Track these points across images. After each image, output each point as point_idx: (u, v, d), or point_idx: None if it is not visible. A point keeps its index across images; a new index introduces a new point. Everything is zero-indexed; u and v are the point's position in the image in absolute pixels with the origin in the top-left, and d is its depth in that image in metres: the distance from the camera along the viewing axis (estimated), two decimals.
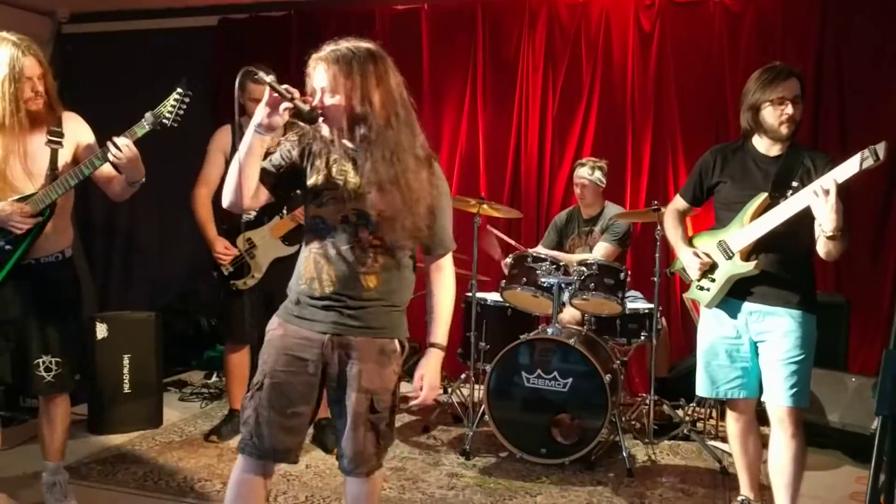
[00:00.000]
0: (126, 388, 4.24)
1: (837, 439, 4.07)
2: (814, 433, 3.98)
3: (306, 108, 2.07)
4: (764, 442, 3.03)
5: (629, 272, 4.18)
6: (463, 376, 4.59)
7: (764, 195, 2.81)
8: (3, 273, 2.84)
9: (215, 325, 5.67)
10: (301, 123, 2.14)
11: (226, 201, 2.17)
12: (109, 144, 2.77)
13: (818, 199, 2.58)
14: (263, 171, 2.17)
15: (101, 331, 4.20)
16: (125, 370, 4.24)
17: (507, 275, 4.13)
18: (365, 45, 2.14)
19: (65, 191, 2.86)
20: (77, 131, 3.00)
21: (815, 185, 2.62)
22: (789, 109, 2.79)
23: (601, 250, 4.47)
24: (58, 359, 2.98)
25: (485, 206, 4.21)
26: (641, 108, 5.19)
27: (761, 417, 3.01)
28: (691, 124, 5.06)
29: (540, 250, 4.58)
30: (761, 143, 2.90)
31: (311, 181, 2.19)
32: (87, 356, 4.13)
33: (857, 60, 4.78)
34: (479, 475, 3.70)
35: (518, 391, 3.84)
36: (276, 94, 2.04)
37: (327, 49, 2.12)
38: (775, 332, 2.82)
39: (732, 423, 3.05)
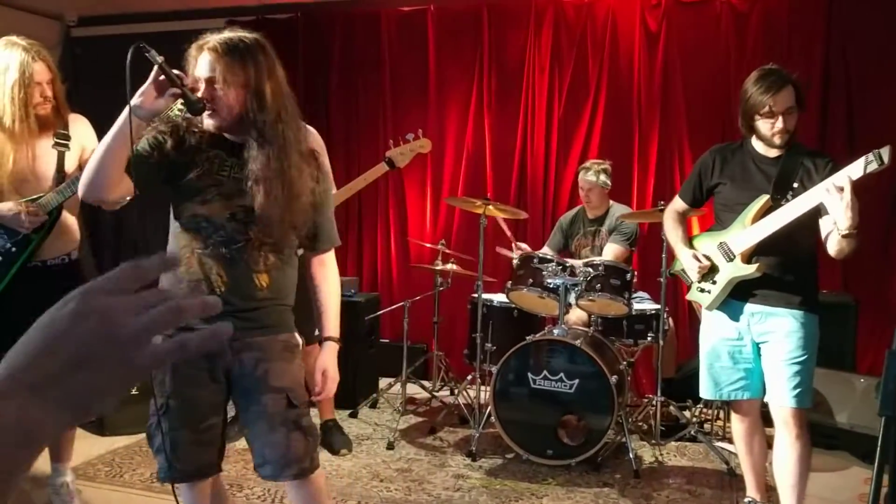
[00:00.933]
0: (133, 389, 4.25)
1: (845, 440, 4.05)
2: (822, 434, 3.97)
3: (194, 97, 1.95)
4: (769, 443, 3.02)
5: (635, 273, 4.17)
6: (469, 377, 4.59)
7: (765, 197, 2.79)
8: (9, 275, 2.86)
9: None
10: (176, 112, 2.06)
11: (83, 190, 2.01)
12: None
13: (832, 197, 2.54)
14: (133, 164, 1.99)
15: None
16: None
17: (514, 275, 4.13)
18: (251, 35, 2.05)
19: (71, 193, 2.87)
20: (83, 134, 3.02)
21: (827, 183, 2.58)
22: (780, 123, 2.76)
23: (611, 252, 4.45)
24: None
25: (490, 206, 4.21)
26: (648, 108, 5.18)
27: (766, 418, 3.00)
28: (698, 124, 5.05)
29: (546, 252, 4.59)
30: (760, 145, 2.88)
31: (190, 176, 2.05)
32: None
33: (864, 60, 4.76)
34: (486, 476, 3.69)
35: (524, 392, 3.83)
36: (162, 78, 1.93)
37: (214, 38, 2.00)
38: (777, 332, 2.80)
39: (737, 425, 3.04)
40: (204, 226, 2.06)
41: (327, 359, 2.23)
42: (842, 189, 2.53)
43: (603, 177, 4.52)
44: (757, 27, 4.92)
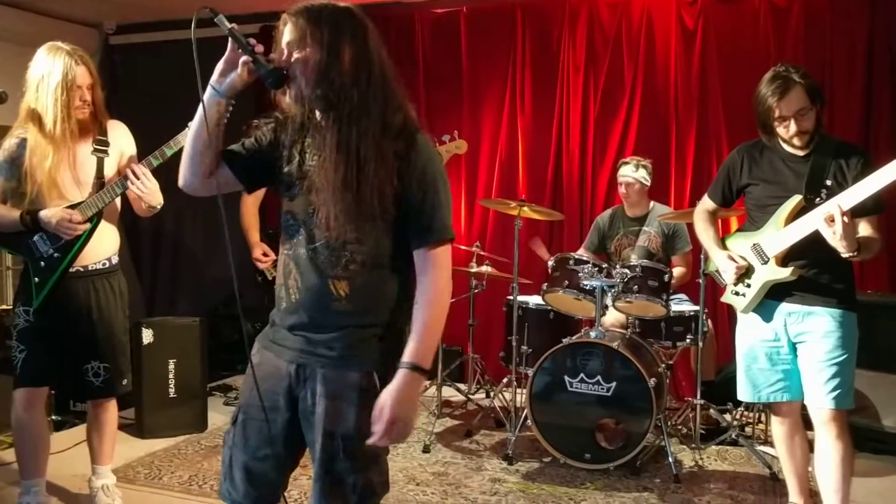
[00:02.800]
0: (171, 392, 4.30)
1: (893, 444, 3.94)
2: (868, 438, 3.88)
3: (269, 66, 1.75)
4: (811, 446, 2.95)
5: (674, 274, 4.11)
6: (505, 380, 4.56)
7: (798, 198, 2.73)
8: (52, 280, 2.90)
9: (259, 329, 5.71)
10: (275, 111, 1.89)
11: (180, 180, 1.88)
12: (129, 172, 2.86)
13: (826, 228, 2.54)
14: (231, 152, 1.87)
15: (147, 336, 4.26)
16: (171, 375, 4.31)
17: (549, 277, 4.09)
18: (345, 4, 1.82)
19: (110, 199, 2.91)
20: (121, 140, 3.05)
21: (822, 210, 2.57)
22: (793, 127, 2.70)
23: (685, 262, 4.52)
24: (106, 364, 3.03)
25: (525, 208, 4.18)
26: (685, 107, 5.11)
27: (807, 421, 2.93)
28: (736, 122, 4.96)
29: (583, 253, 4.54)
30: (787, 144, 2.81)
31: (285, 170, 1.85)
32: (134, 361, 4.20)
33: None
34: (522, 480, 3.66)
35: (561, 395, 3.79)
36: (237, 48, 1.77)
37: (299, 4, 1.80)
38: (815, 332, 2.74)
39: (777, 427, 2.98)
40: (290, 223, 1.84)
41: (392, 392, 1.73)
42: (832, 220, 2.51)
43: (642, 172, 4.47)
44: (797, 23, 4.82)
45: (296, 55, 1.75)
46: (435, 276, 1.78)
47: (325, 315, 1.79)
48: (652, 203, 4.62)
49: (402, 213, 1.78)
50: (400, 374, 1.74)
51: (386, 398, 1.73)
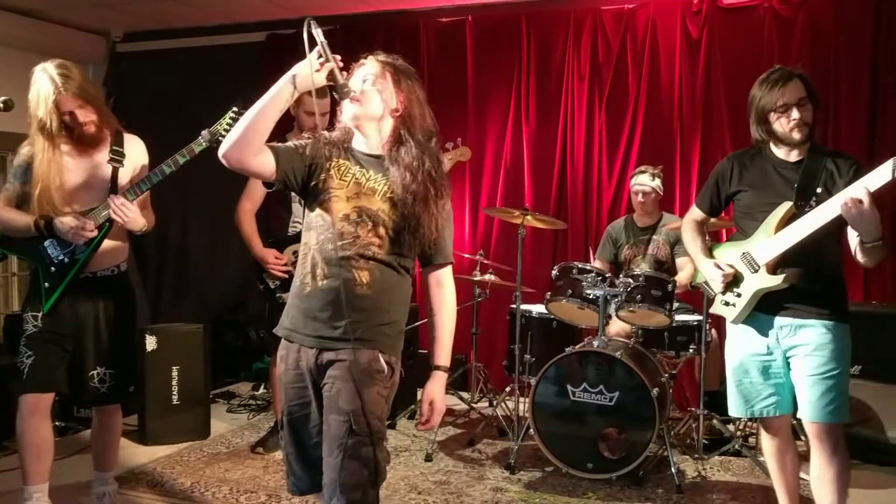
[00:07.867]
0: (175, 399, 4.31)
1: None
2: (873, 450, 3.87)
3: (343, 80, 2.11)
4: (804, 456, 2.91)
5: (686, 273, 4.11)
6: (508, 389, 4.56)
7: (788, 204, 2.67)
8: (63, 285, 2.92)
9: (264, 336, 5.73)
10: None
11: (224, 147, 2.05)
12: (109, 202, 2.89)
13: (850, 210, 2.45)
14: (278, 148, 2.12)
15: (151, 343, 4.27)
16: (174, 382, 4.31)
17: (553, 286, 4.08)
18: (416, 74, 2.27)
19: None
20: (136, 155, 3.09)
21: (844, 195, 2.48)
22: (795, 114, 2.67)
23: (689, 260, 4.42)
24: (112, 370, 3.04)
25: (529, 217, 4.18)
26: (690, 117, 5.10)
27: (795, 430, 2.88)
28: (742, 132, 4.88)
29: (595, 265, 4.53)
30: (780, 150, 2.78)
31: (318, 179, 2.16)
32: (138, 368, 4.20)
33: None
34: (524, 490, 3.65)
35: (564, 404, 3.78)
36: (322, 55, 2.08)
37: (387, 56, 2.23)
38: (809, 345, 2.66)
39: (768, 443, 2.90)
40: (319, 223, 2.16)
41: (435, 388, 2.24)
42: (860, 202, 2.43)
43: (657, 181, 4.50)
44: (802, 32, 4.81)
45: (370, 87, 2.15)
46: (451, 292, 2.27)
47: (349, 298, 2.08)
48: (662, 213, 4.62)
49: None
50: (437, 376, 2.24)
51: (433, 394, 2.23)
